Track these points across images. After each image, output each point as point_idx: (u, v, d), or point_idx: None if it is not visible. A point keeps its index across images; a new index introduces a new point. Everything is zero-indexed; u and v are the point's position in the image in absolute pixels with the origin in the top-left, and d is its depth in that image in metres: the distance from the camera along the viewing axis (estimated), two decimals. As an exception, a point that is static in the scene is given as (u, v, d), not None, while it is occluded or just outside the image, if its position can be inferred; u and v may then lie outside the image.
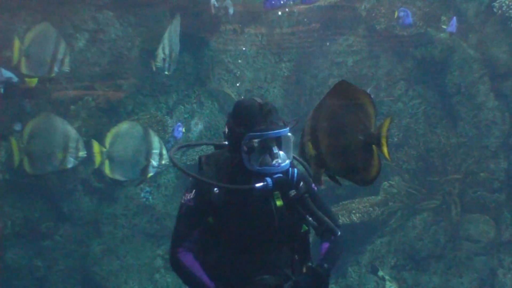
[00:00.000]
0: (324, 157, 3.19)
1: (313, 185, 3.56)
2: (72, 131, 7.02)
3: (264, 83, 9.30)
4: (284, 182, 3.34)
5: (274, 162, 3.33)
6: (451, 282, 8.68)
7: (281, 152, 3.35)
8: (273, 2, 6.10)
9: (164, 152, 7.14)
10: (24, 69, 7.09)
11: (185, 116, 9.20)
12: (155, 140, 7.17)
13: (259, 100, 3.45)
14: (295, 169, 3.41)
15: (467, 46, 9.17)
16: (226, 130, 3.51)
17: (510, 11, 8.83)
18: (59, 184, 8.78)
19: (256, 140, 3.32)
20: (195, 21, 8.91)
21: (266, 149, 3.34)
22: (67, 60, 7.19)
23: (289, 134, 3.39)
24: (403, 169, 8.93)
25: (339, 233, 3.51)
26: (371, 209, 8.75)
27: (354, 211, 8.69)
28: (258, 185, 3.30)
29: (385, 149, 3.13)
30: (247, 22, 9.24)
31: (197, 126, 9.17)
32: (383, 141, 3.11)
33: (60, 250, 8.78)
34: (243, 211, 3.41)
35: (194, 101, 9.22)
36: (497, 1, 8.96)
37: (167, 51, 6.98)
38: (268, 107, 3.38)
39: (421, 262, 8.77)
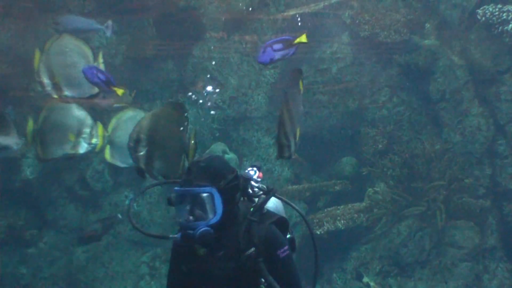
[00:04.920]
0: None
1: (279, 251, 3.51)
2: (87, 117, 6.86)
3: (249, 90, 9.31)
4: (190, 238, 3.38)
5: (186, 218, 3.42)
6: (436, 288, 8.69)
7: (197, 211, 3.40)
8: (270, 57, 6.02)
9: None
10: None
11: (170, 123, 9.21)
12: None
13: (204, 158, 3.52)
14: (205, 228, 3.39)
15: (451, 53, 9.19)
16: None
17: (494, 18, 8.85)
18: (44, 191, 8.79)
19: (173, 195, 3.46)
20: (179, 29, 8.95)
21: (183, 205, 3.44)
22: None
23: (204, 194, 3.39)
24: (388, 176, 8.93)
25: None
26: (356, 215, 8.74)
27: (339, 218, 8.69)
28: (171, 235, 3.50)
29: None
30: (232, 30, 9.25)
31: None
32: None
33: (45, 257, 8.79)
34: (179, 262, 3.60)
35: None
36: (481, 8, 8.99)
37: (46, 75, 6.28)
38: (193, 165, 3.47)
39: (406, 268, 8.77)
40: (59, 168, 8.72)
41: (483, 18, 8.93)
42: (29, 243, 8.75)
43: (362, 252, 8.85)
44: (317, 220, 8.68)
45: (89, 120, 6.65)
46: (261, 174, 3.83)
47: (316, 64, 9.41)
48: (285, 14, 9.14)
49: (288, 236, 3.71)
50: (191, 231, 3.36)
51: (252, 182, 3.71)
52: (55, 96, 6.39)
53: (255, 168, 3.86)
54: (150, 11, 8.81)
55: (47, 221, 8.84)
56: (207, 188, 3.39)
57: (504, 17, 8.79)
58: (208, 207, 3.40)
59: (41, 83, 6.34)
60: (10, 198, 8.64)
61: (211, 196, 3.40)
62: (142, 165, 4.45)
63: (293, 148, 3.86)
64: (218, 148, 8.99)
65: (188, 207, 3.41)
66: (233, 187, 3.47)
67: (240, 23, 9.23)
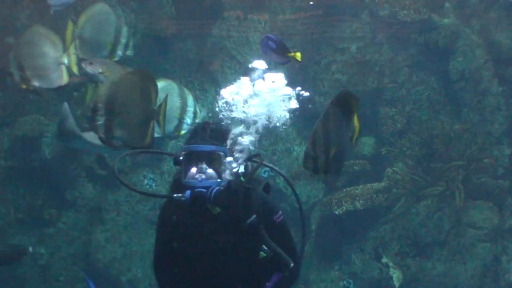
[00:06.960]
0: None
1: (275, 216, 3.55)
2: (189, 96, 6.79)
3: (267, 70, 9.25)
4: (202, 196, 3.34)
5: (197, 176, 3.37)
6: (455, 269, 8.64)
7: (209, 170, 3.38)
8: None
9: (198, 110, 6.96)
10: (79, 52, 6.77)
11: (188, 103, 9.17)
12: (190, 98, 6.98)
13: (211, 122, 3.56)
14: (218, 187, 3.39)
15: (471, 32, 9.14)
16: None
17: (514, -4, 8.81)
18: (63, 171, 8.78)
19: (183, 153, 3.44)
20: (197, 7, 8.90)
21: (193, 164, 3.39)
22: (131, 43, 6.95)
23: (220, 152, 3.42)
24: (407, 156, 8.89)
25: (292, 264, 3.49)
26: (374, 195, 8.71)
27: (357, 198, 8.65)
28: (175, 195, 3.38)
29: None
30: (250, 8, 9.20)
31: (201, 113, 9.13)
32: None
33: (63, 237, 8.81)
34: (184, 225, 3.49)
35: (197, 87, 9.19)
36: (501, -14, 8.94)
37: (15, 65, 6.06)
38: (206, 126, 3.48)
39: (424, 249, 8.73)
40: (77, 147, 8.72)
41: (504, -3, 8.89)
42: (48, 222, 8.76)
43: (381, 232, 8.81)
44: (336, 200, 8.66)
45: (191, 100, 6.61)
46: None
47: (335, 43, 9.36)
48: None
49: None
50: (203, 189, 3.33)
51: None
52: (24, 87, 6.23)
53: None
54: (169, -10, 8.78)
55: (66, 201, 8.84)
56: (223, 148, 3.44)
57: (525, -4, 8.75)
58: (222, 166, 3.43)
59: (10, 74, 6.28)
60: (29, 178, 8.65)
61: (225, 156, 3.44)
62: (101, 134, 4.38)
63: (320, 164, 3.75)
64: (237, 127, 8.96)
65: (200, 166, 3.37)
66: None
67: (259, 2, 9.18)
